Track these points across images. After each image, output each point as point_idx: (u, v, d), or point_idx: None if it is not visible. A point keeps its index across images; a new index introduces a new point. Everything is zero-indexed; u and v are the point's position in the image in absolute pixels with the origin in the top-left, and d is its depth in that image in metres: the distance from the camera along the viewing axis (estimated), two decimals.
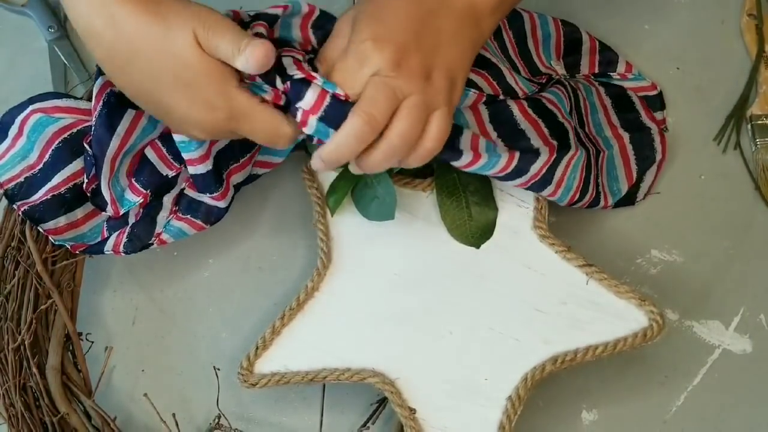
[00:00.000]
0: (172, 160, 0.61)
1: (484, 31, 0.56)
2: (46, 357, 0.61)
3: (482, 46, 0.58)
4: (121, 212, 0.61)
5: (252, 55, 0.49)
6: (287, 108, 0.53)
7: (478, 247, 0.63)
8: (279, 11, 0.54)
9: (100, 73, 0.58)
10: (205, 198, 0.62)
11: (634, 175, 0.68)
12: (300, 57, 0.54)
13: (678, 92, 0.74)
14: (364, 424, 0.63)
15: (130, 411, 0.64)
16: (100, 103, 0.58)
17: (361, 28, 0.51)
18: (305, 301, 0.62)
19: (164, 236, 0.63)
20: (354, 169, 0.54)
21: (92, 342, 0.65)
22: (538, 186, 0.61)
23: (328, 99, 0.51)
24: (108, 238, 0.62)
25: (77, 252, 0.62)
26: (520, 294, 0.62)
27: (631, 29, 0.76)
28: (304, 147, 0.66)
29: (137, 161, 0.61)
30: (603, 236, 0.68)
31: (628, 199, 0.68)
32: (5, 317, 0.62)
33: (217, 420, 0.62)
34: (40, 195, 0.62)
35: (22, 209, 0.62)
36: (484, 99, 0.61)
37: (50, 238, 0.62)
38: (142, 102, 0.54)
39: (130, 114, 0.59)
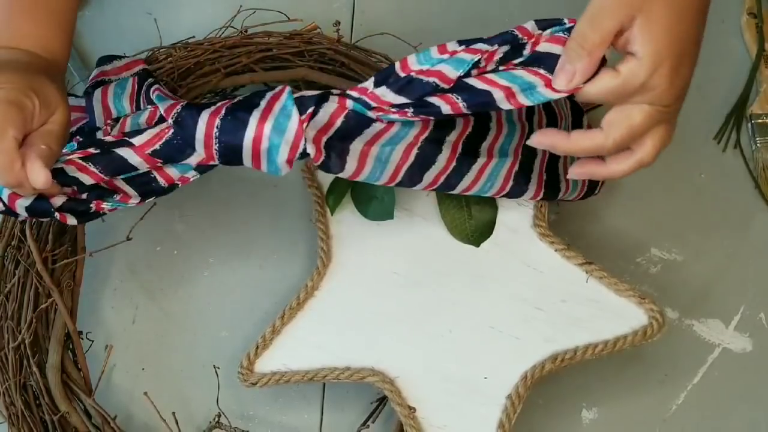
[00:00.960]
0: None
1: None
2: (46, 356, 0.61)
3: None
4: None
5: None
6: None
7: (477, 245, 0.63)
8: None
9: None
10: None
11: None
12: None
13: None
14: (364, 423, 0.63)
15: (130, 410, 0.64)
16: None
17: (658, 38, 0.48)
18: (305, 300, 0.62)
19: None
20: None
21: (92, 341, 0.65)
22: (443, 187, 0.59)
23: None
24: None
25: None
26: (519, 292, 0.62)
27: None
28: None
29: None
30: (603, 235, 0.68)
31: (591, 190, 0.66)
32: (5, 316, 0.62)
33: (217, 419, 0.62)
34: None
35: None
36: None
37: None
38: None
39: None
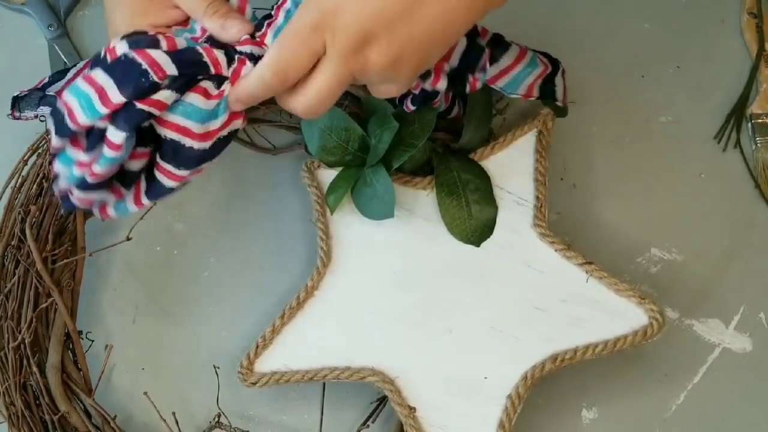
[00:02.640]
0: None
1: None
2: (46, 355, 0.61)
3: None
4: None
5: (231, 26, 0.49)
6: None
7: (478, 245, 0.63)
8: None
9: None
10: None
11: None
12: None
13: (678, 91, 0.74)
14: (364, 423, 0.63)
15: (130, 409, 0.64)
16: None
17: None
18: (305, 300, 0.62)
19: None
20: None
21: (92, 341, 0.65)
22: None
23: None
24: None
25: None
26: (520, 292, 0.62)
27: (631, 27, 0.76)
28: (304, 145, 0.66)
29: None
30: (603, 234, 0.68)
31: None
32: (5, 316, 0.62)
33: (217, 419, 0.62)
34: None
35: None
36: None
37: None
38: None
39: None
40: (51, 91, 0.60)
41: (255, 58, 0.50)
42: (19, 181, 0.66)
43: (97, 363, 0.64)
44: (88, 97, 0.48)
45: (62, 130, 0.50)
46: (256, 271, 0.68)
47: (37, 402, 0.61)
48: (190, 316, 0.67)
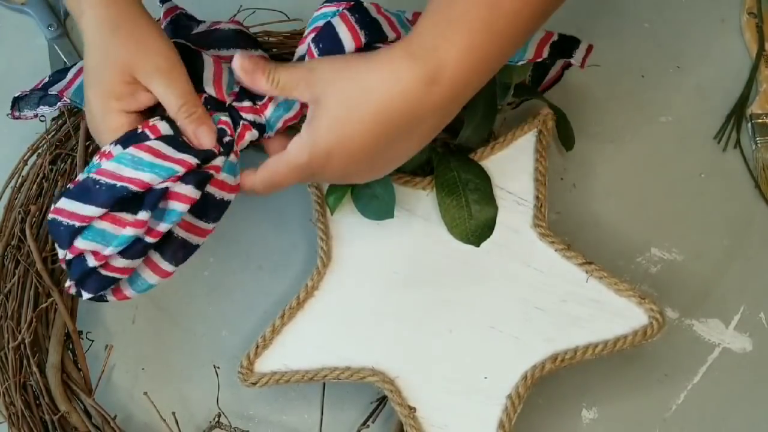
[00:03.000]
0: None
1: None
2: (46, 355, 0.61)
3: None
4: None
5: (202, 135, 0.53)
6: None
7: (477, 245, 0.63)
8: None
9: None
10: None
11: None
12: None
13: (678, 91, 0.74)
14: (364, 423, 0.63)
15: (130, 409, 0.64)
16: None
17: (321, 133, 0.51)
18: (305, 300, 0.62)
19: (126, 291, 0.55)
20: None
21: (92, 341, 0.65)
22: None
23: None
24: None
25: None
26: (519, 292, 0.62)
27: (631, 27, 0.76)
28: None
29: None
30: (603, 234, 0.68)
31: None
32: (5, 316, 0.62)
33: (217, 418, 0.62)
34: None
35: None
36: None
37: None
38: None
39: None
40: (52, 91, 0.60)
41: (257, 126, 0.55)
42: (19, 181, 0.66)
43: (97, 363, 0.64)
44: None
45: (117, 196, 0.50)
46: (256, 271, 0.68)
47: (37, 402, 0.61)
48: (189, 316, 0.67)
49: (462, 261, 0.63)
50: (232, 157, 0.54)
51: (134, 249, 0.51)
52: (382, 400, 0.63)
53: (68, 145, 0.66)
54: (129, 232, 0.50)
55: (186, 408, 0.64)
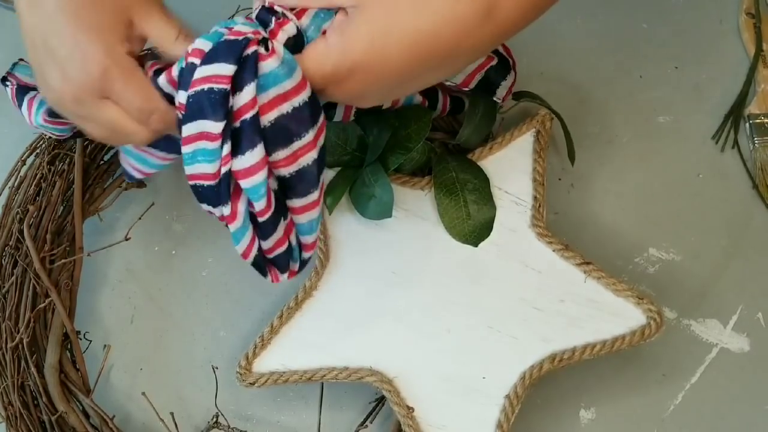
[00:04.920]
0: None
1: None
2: (44, 356, 0.61)
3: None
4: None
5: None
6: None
7: (476, 245, 0.63)
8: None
9: None
10: None
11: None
12: None
13: (676, 91, 0.74)
14: (363, 423, 0.63)
15: (128, 409, 0.64)
16: None
17: (355, 43, 0.45)
18: (303, 300, 0.62)
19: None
20: None
21: (90, 341, 0.65)
22: None
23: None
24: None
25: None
26: (518, 292, 0.62)
27: (629, 28, 0.76)
28: None
29: None
30: (601, 234, 0.69)
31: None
32: (3, 316, 0.62)
33: (215, 419, 0.62)
34: None
35: None
36: None
37: None
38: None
39: None
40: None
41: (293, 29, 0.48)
42: (18, 180, 0.66)
43: (96, 363, 0.64)
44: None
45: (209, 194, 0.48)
46: (255, 271, 0.68)
47: (35, 402, 0.61)
48: (188, 316, 0.67)
49: (460, 261, 0.63)
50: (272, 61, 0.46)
51: (263, 230, 0.49)
52: (381, 401, 0.63)
53: (67, 145, 0.66)
54: (237, 224, 0.48)
55: (184, 408, 0.64)
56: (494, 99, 0.64)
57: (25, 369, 0.61)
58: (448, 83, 0.62)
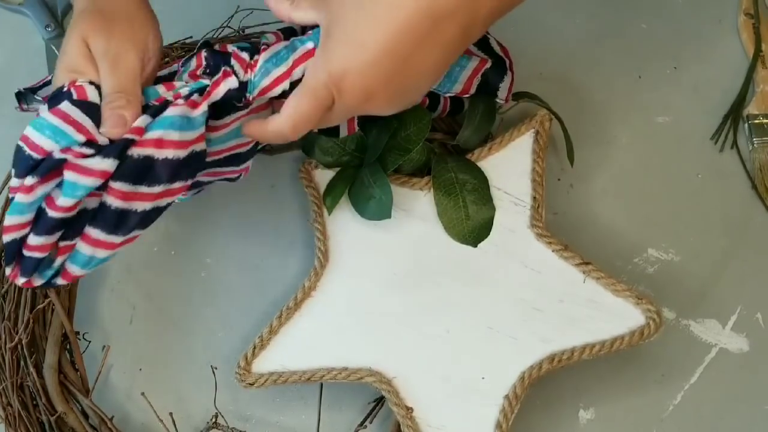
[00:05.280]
0: None
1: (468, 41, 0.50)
2: (43, 356, 0.61)
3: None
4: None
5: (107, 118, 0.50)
6: None
7: (475, 246, 0.63)
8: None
9: None
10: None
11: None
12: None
13: (675, 91, 0.74)
14: (362, 423, 0.63)
15: (127, 410, 0.64)
16: None
17: (334, 45, 0.49)
18: (303, 301, 0.62)
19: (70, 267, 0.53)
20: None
21: (89, 341, 0.65)
22: None
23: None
24: None
25: None
26: (517, 292, 0.62)
27: (628, 28, 0.76)
28: (302, 145, 0.66)
29: None
30: (600, 235, 0.69)
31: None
32: (2, 316, 0.62)
33: (214, 419, 0.62)
34: None
35: None
36: None
37: None
38: None
39: None
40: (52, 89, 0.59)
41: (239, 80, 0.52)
42: None
43: (95, 363, 0.64)
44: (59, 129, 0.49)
45: (23, 165, 0.48)
46: (254, 271, 0.68)
47: (34, 403, 0.61)
48: (187, 316, 0.67)
49: (459, 261, 0.63)
50: (187, 110, 0.50)
51: (41, 223, 0.49)
52: (380, 401, 0.63)
53: None
54: (19, 198, 0.48)
55: (183, 408, 0.64)
56: (497, 100, 0.64)
57: (24, 369, 0.61)
58: (447, 94, 0.62)
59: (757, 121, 0.72)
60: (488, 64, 0.63)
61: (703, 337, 0.66)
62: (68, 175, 0.48)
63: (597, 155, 0.71)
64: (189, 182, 0.53)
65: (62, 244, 0.51)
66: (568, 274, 0.62)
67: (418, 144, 0.61)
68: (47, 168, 0.48)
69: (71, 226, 0.51)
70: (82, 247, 0.52)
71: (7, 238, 0.50)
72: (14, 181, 0.49)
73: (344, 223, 0.64)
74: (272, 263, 0.68)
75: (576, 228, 0.68)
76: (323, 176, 0.65)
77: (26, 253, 0.51)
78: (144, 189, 0.50)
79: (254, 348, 0.61)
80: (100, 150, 0.49)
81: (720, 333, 0.66)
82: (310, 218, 0.65)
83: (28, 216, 0.49)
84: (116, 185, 0.49)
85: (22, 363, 0.61)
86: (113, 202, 0.50)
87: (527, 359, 0.60)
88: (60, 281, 0.53)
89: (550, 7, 0.76)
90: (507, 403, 0.59)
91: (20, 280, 0.52)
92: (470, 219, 0.63)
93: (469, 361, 0.61)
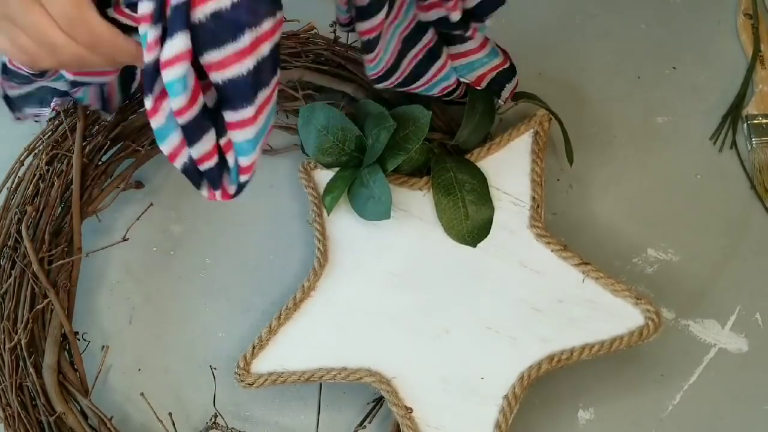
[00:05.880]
0: None
1: None
2: (42, 356, 0.61)
3: None
4: None
5: None
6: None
7: (474, 246, 0.63)
8: None
9: None
10: None
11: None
12: None
13: (674, 91, 0.74)
14: (361, 423, 0.63)
15: (126, 410, 0.64)
16: None
17: None
18: (302, 301, 0.62)
19: None
20: None
21: (89, 341, 0.65)
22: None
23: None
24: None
25: None
26: (516, 293, 0.62)
27: (628, 28, 0.76)
28: (301, 146, 0.66)
29: None
30: (599, 235, 0.69)
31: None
32: (1, 317, 0.62)
33: (213, 419, 0.62)
34: None
35: None
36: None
37: None
38: None
39: None
40: (42, 82, 0.59)
41: None
42: (16, 181, 0.66)
43: (94, 364, 0.64)
44: None
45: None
46: (253, 271, 0.68)
47: (34, 403, 0.61)
48: (186, 316, 0.67)
49: (458, 262, 0.63)
50: None
51: (186, 134, 0.48)
52: (379, 401, 0.63)
53: (65, 146, 0.66)
54: (155, 123, 0.47)
55: (182, 409, 0.64)
56: (499, 100, 0.65)
57: (23, 369, 0.61)
58: (462, 78, 0.63)
59: (756, 121, 0.72)
60: (507, 65, 0.64)
61: (703, 338, 0.66)
62: (165, 74, 0.45)
63: (596, 155, 0.71)
64: (279, 15, 0.46)
65: (222, 141, 0.50)
66: (567, 274, 0.62)
67: (417, 143, 0.61)
68: (150, 81, 0.46)
69: (216, 123, 0.49)
70: (235, 135, 0.50)
71: (177, 164, 0.49)
72: (147, 104, 0.47)
73: (343, 224, 0.64)
74: (271, 263, 0.68)
75: (575, 228, 0.69)
76: (322, 176, 0.65)
77: (202, 167, 0.50)
78: (230, 48, 0.46)
79: (253, 348, 0.61)
80: (166, 30, 0.45)
81: (719, 333, 0.66)
82: (310, 218, 0.65)
83: (176, 135, 0.48)
84: (207, 58, 0.46)
85: (21, 363, 0.61)
86: (217, 76, 0.46)
87: (526, 359, 0.60)
88: (244, 178, 0.52)
89: (549, 7, 0.76)
90: (506, 403, 0.59)
91: (217, 194, 0.51)
92: (469, 219, 0.63)
93: (469, 361, 0.61)
